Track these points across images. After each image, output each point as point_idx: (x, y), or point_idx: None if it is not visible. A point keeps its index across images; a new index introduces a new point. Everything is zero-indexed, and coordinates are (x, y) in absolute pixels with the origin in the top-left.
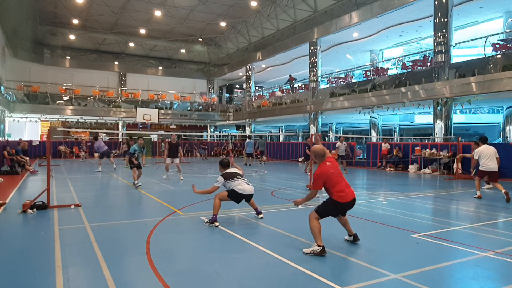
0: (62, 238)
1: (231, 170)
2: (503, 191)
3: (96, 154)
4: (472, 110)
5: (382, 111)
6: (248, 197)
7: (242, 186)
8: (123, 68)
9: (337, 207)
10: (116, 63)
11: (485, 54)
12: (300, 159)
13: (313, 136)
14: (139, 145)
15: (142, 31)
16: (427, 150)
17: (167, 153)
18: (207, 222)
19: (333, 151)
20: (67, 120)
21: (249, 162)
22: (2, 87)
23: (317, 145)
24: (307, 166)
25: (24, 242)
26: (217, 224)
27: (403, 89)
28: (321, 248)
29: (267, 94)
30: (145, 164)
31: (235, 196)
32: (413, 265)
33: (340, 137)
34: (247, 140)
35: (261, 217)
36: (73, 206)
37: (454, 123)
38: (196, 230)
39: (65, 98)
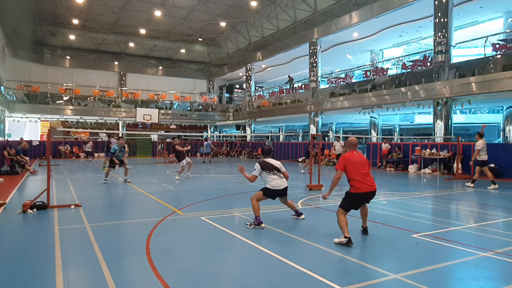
0: (62, 238)
1: (269, 160)
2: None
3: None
4: (472, 110)
5: (382, 111)
6: (281, 192)
7: (276, 182)
8: (123, 68)
9: (353, 199)
10: (116, 63)
11: (485, 54)
12: (300, 159)
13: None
14: (119, 145)
15: (142, 31)
16: (427, 150)
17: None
18: (251, 224)
19: (332, 151)
20: (67, 120)
21: (208, 160)
22: (2, 87)
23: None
24: (305, 166)
25: (24, 242)
26: (263, 226)
27: (403, 89)
28: (347, 239)
29: (267, 94)
30: (126, 163)
31: (270, 193)
32: (413, 265)
33: (336, 136)
34: (205, 142)
35: (303, 218)
36: (73, 206)
37: (454, 123)
38: (196, 230)
39: (65, 98)
